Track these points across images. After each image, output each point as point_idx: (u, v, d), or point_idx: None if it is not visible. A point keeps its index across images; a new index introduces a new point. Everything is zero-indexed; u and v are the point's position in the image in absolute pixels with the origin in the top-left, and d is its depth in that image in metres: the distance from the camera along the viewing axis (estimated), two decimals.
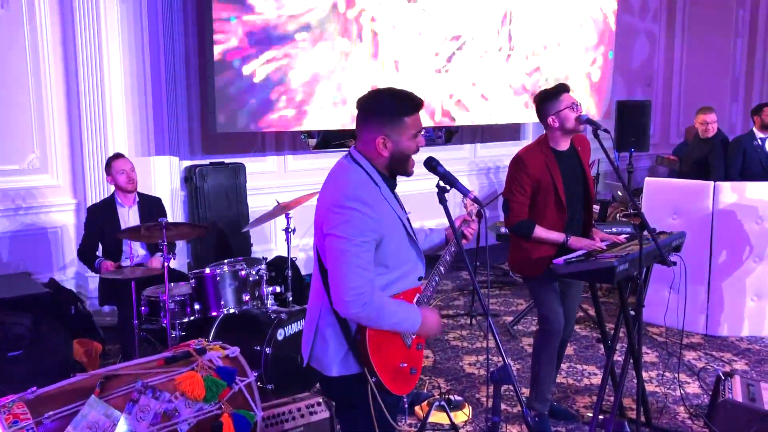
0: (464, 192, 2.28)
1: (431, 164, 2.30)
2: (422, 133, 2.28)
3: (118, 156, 4.55)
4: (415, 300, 2.35)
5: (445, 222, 2.33)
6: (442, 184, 2.29)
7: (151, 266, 4.27)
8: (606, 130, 3.31)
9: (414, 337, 2.32)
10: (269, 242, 6.29)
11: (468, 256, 2.35)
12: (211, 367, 2.26)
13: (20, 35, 5.02)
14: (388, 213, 2.20)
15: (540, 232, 3.37)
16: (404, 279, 2.28)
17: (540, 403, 3.61)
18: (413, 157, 2.28)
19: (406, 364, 2.27)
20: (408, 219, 2.40)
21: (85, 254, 4.48)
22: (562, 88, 3.37)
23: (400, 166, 2.25)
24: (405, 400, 2.30)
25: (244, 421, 2.26)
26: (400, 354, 2.26)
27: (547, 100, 3.37)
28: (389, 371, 2.21)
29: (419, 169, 2.34)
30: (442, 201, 2.29)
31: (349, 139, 6.30)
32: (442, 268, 2.43)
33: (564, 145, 3.44)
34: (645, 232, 3.20)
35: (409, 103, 2.21)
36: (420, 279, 2.35)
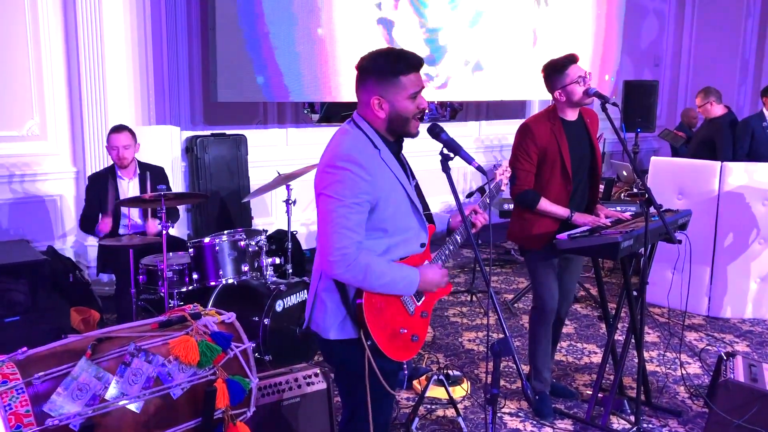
0: (468, 160, 2.21)
1: (434, 131, 2.24)
2: (422, 90, 2.21)
3: (115, 129, 4.42)
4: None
5: (450, 199, 2.27)
6: (445, 151, 2.22)
7: (148, 231, 4.24)
8: (615, 104, 3.25)
9: (418, 304, 2.28)
10: (270, 215, 6.25)
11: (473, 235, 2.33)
12: (206, 332, 2.22)
13: None
14: (386, 176, 2.15)
15: (545, 204, 3.31)
16: (405, 245, 2.24)
17: (539, 381, 3.58)
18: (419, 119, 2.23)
19: (406, 330, 2.23)
20: (417, 186, 2.36)
21: (87, 223, 4.44)
22: (569, 61, 3.28)
23: (400, 127, 2.20)
24: (405, 367, 2.25)
25: (238, 387, 2.22)
26: (400, 319, 2.22)
27: (554, 73, 3.29)
28: (387, 336, 2.18)
29: (421, 146, 2.28)
30: (446, 169, 2.23)
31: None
32: (458, 238, 2.41)
33: (572, 115, 3.37)
34: (651, 209, 3.16)
35: (404, 62, 2.15)
36: (422, 245, 2.31)
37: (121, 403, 2.05)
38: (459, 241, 2.41)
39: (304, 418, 2.96)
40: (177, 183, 5.67)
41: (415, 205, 2.24)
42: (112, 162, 4.55)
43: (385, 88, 2.14)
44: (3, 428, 1.88)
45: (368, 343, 2.14)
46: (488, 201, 2.52)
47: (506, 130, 7.70)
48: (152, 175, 4.54)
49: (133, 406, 2.08)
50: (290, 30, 5.53)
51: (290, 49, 5.56)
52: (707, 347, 4.50)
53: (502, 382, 3.87)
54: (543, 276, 3.45)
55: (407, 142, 2.43)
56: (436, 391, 3.61)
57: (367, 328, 2.13)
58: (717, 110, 6.21)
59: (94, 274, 4.98)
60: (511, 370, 4.04)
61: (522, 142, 3.34)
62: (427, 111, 2.28)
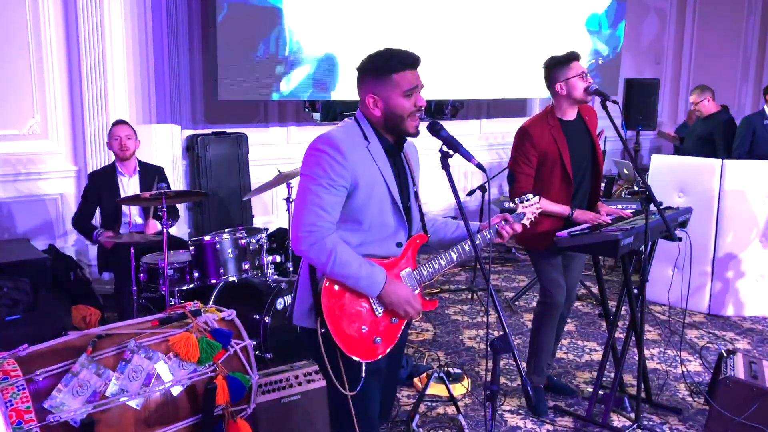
0: (468, 157, 2.21)
1: (435, 128, 2.24)
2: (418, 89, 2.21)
3: (117, 122, 4.54)
4: (403, 273, 2.28)
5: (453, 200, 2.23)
6: (445, 149, 2.22)
7: (147, 231, 4.24)
8: (615, 101, 3.24)
9: (388, 308, 2.24)
10: (270, 214, 6.25)
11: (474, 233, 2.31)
12: (206, 329, 2.23)
13: None
14: (368, 167, 2.16)
15: (545, 204, 3.29)
16: (380, 242, 2.23)
17: (537, 375, 3.60)
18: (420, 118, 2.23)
19: (367, 329, 2.19)
20: (416, 193, 2.34)
21: (81, 222, 4.44)
22: (572, 56, 3.29)
23: (395, 125, 2.21)
24: (363, 367, 2.19)
25: (238, 384, 2.23)
26: (363, 318, 2.19)
27: (557, 66, 3.29)
28: (344, 330, 2.15)
29: (421, 144, 2.28)
30: (445, 167, 2.23)
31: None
32: (454, 255, 2.34)
33: (571, 114, 3.37)
34: (651, 206, 3.16)
35: (396, 59, 2.17)
36: (399, 245, 2.28)
37: (122, 399, 2.06)
38: (454, 259, 2.35)
39: (304, 415, 2.97)
40: (178, 181, 5.68)
41: (396, 204, 2.23)
42: (112, 160, 4.56)
43: (379, 86, 2.17)
44: (4, 425, 1.89)
45: (322, 330, 2.12)
46: (491, 233, 2.43)
47: (507, 128, 7.69)
48: (152, 173, 4.55)
49: (133, 403, 2.08)
50: (291, 29, 5.53)
51: (291, 48, 5.56)
52: (707, 345, 4.49)
53: (502, 380, 3.88)
54: (548, 271, 3.46)
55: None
56: (436, 389, 3.62)
57: (322, 313, 2.11)
58: (712, 107, 6.35)
59: (95, 273, 4.98)
60: (511, 367, 4.04)
61: (521, 146, 3.34)
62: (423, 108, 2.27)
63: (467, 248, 2.34)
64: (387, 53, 2.20)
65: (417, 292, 2.30)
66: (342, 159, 2.10)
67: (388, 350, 2.25)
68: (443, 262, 2.34)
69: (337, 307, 2.14)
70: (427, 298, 2.35)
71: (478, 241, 2.37)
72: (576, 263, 3.65)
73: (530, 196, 2.59)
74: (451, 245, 2.38)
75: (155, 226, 4.21)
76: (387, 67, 2.16)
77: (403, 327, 2.30)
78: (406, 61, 2.18)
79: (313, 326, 2.16)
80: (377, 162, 2.18)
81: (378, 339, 2.21)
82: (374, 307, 2.21)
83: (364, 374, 2.18)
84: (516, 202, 2.57)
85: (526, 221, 2.55)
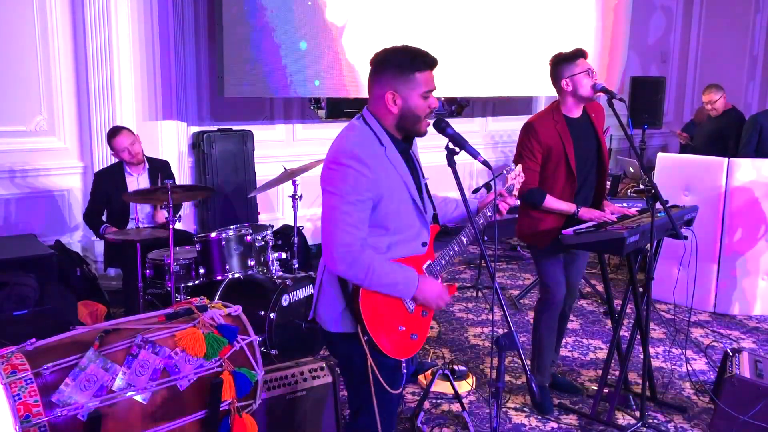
0: (473, 154, 2.22)
1: (440, 125, 2.24)
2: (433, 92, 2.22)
3: (115, 132, 4.41)
4: (425, 267, 2.32)
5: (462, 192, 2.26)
6: (451, 146, 2.23)
7: (156, 219, 4.26)
8: (621, 99, 3.23)
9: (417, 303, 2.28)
10: (276, 211, 6.27)
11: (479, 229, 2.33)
12: (213, 325, 2.24)
13: None
14: (390, 174, 2.16)
15: (550, 201, 3.31)
16: (406, 244, 2.24)
17: (540, 374, 3.59)
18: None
19: (405, 328, 2.23)
20: (426, 186, 2.36)
21: (91, 219, 4.46)
22: (579, 53, 3.28)
23: (410, 125, 2.21)
24: (404, 365, 2.25)
25: (244, 379, 2.24)
26: (399, 317, 2.22)
27: (563, 62, 3.28)
28: (385, 332, 2.17)
29: (427, 141, 2.30)
30: (451, 164, 2.23)
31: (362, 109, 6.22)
32: (464, 239, 2.38)
33: (577, 112, 3.36)
34: (657, 205, 3.15)
35: (421, 59, 2.16)
36: (424, 245, 2.31)
37: (128, 394, 2.07)
38: (465, 242, 2.39)
39: (310, 411, 2.98)
40: (184, 178, 5.69)
41: (417, 205, 2.24)
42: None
43: (401, 84, 2.15)
44: (12, 418, 1.90)
45: (365, 338, 2.14)
46: (495, 203, 2.48)
47: (513, 127, 7.68)
48: (159, 168, 4.56)
49: (139, 398, 2.09)
50: (296, 26, 5.54)
51: (296, 45, 5.57)
52: (713, 343, 4.49)
53: (507, 377, 3.88)
54: (550, 268, 3.46)
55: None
56: (441, 386, 3.62)
57: (363, 322, 2.13)
58: (725, 105, 6.46)
59: (101, 269, 5.00)
60: (516, 365, 4.04)
61: (526, 141, 3.34)
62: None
63: (472, 230, 2.38)
64: (410, 51, 2.18)
65: (438, 281, 2.34)
66: (368, 172, 2.08)
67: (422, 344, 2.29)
68: (457, 249, 2.39)
69: (375, 312, 2.16)
70: (446, 285, 2.39)
71: (481, 221, 2.45)
72: (579, 260, 3.64)
73: (512, 166, 2.67)
74: (455, 224, 2.45)
75: (163, 214, 4.23)
76: (412, 65, 2.15)
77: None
78: (429, 62, 2.18)
79: (349, 331, 2.18)
80: (396, 168, 2.19)
81: (415, 335, 2.25)
82: (406, 305, 2.24)
83: (405, 371, 2.23)
84: (505, 173, 2.63)
85: (515, 192, 2.61)
